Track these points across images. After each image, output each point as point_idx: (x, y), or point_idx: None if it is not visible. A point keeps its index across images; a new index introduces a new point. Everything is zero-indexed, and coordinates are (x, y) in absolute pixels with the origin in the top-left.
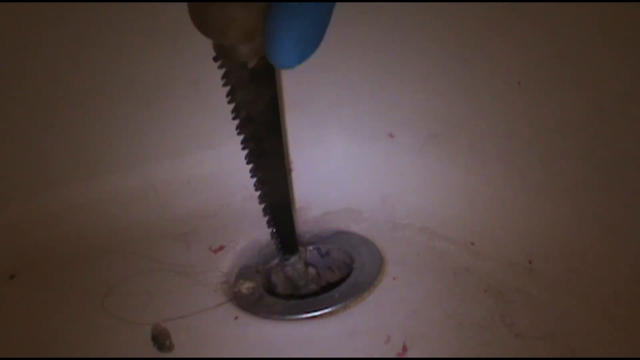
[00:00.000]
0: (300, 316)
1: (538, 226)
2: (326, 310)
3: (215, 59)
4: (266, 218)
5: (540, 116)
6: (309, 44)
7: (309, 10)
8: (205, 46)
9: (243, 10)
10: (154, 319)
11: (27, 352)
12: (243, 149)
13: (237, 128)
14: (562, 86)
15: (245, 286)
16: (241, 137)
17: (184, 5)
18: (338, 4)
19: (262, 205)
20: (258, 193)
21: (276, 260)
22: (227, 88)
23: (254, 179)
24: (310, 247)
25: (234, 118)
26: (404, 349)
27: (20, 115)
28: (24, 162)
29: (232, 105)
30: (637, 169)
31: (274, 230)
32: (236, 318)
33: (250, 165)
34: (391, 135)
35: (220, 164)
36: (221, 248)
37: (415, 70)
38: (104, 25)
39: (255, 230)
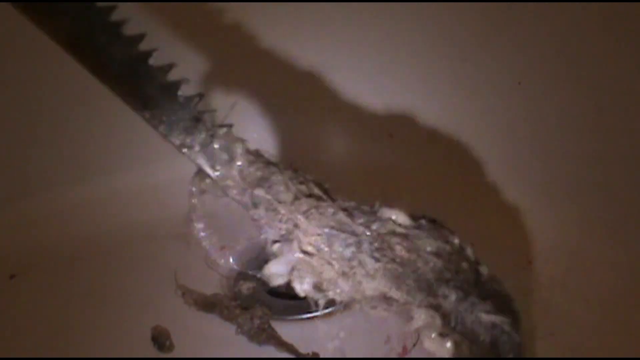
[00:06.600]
0: (300, 316)
1: (538, 226)
2: (326, 311)
3: None
4: None
5: (541, 116)
6: None
7: None
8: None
9: None
10: (154, 319)
11: (27, 352)
12: None
13: None
14: (563, 86)
15: (245, 286)
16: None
17: (184, 5)
18: (338, 4)
19: None
20: None
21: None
22: None
23: None
24: None
25: None
26: (404, 349)
27: (20, 116)
28: (24, 162)
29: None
30: (637, 169)
31: None
32: None
33: None
34: (391, 135)
35: None
36: (221, 248)
37: (415, 70)
38: None
39: (255, 230)
